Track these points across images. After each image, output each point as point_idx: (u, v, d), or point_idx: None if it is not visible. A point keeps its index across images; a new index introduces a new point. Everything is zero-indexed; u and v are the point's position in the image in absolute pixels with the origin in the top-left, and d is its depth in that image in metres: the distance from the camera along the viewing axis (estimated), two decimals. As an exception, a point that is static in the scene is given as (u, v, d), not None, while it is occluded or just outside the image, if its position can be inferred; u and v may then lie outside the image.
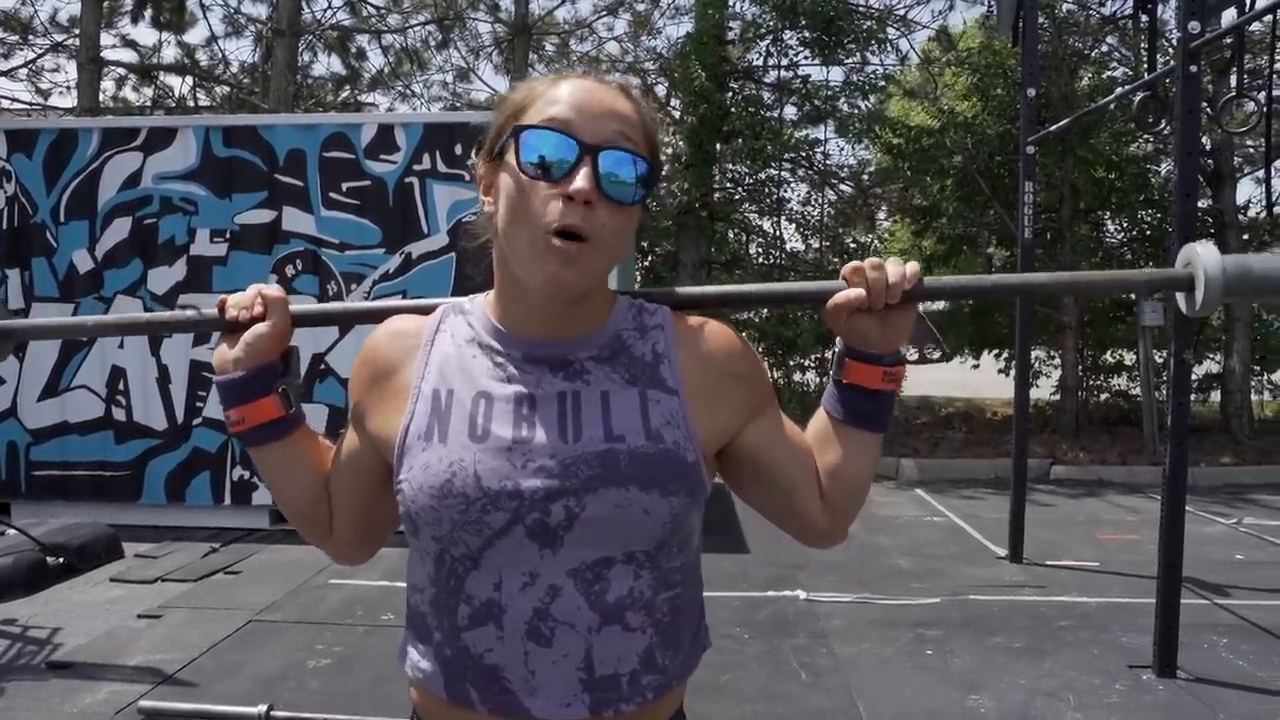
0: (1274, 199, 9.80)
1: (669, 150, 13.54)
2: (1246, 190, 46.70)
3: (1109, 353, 13.39)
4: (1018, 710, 4.12)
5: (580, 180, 1.11)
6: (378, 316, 1.36)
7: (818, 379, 13.40)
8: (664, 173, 1.25)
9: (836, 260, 13.74)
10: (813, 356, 13.13)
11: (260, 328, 1.28)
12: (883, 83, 13.85)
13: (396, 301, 1.38)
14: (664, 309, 1.28)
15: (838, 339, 1.29)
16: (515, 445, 1.16)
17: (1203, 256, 1.23)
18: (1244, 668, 4.61)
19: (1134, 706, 4.17)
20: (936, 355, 1.34)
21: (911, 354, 1.32)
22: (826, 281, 1.26)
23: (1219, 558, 6.71)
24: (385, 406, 1.25)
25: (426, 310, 1.32)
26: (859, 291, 1.21)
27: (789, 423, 1.32)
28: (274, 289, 1.31)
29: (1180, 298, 1.29)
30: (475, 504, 1.14)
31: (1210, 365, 13.37)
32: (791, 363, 13.12)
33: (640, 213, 1.22)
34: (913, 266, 1.22)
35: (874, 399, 1.27)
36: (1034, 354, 12.54)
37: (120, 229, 7.29)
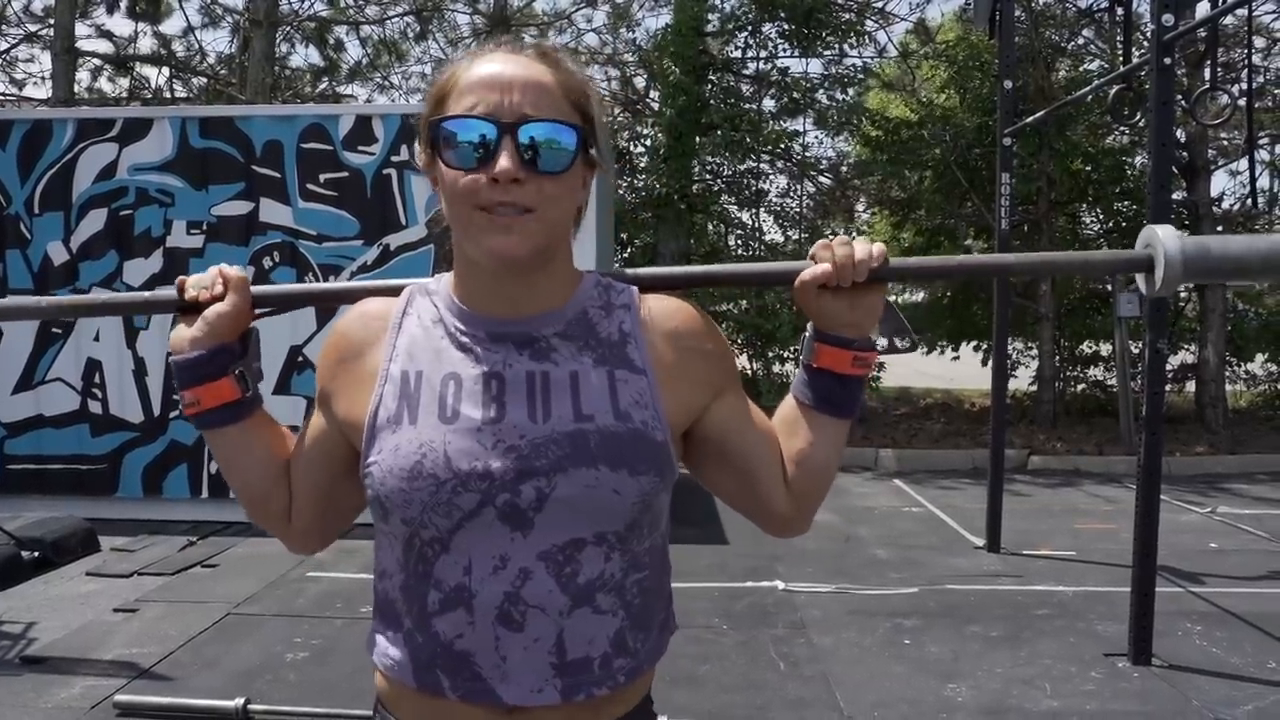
0: (1254, 189, 9.91)
1: (648, 142, 13.55)
2: (1220, 182, 47.15)
3: (1086, 344, 13.46)
4: (994, 698, 4.16)
5: (503, 160, 1.11)
6: (340, 298, 1.35)
7: (797, 371, 13.41)
8: (602, 124, 1.23)
9: (816, 252, 13.73)
10: (791, 348, 13.14)
11: (220, 307, 1.26)
12: (861, 75, 13.89)
13: (358, 283, 1.37)
14: (631, 289, 1.28)
15: (808, 324, 1.29)
16: (485, 426, 1.16)
17: (1162, 238, 1.25)
18: (1217, 654, 4.66)
19: (1109, 694, 4.21)
20: (905, 344, 1.34)
21: (881, 342, 1.32)
22: (795, 262, 1.27)
23: (1194, 546, 6.78)
24: (352, 389, 1.24)
25: (393, 291, 1.31)
26: (825, 266, 1.22)
27: (754, 407, 1.32)
28: (235, 269, 1.29)
29: (1140, 279, 1.31)
30: (446, 485, 1.14)
31: (1185, 356, 13.48)
32: (770, 354, 13.14)
33: (585, 173, 1.22)
34: (879, 246, 1.23)
35: (844, 383, 1.27)
36: (1012, 345, 12.61)
37: (96, 221, 7.22)
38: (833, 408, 1.28)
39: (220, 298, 1.26)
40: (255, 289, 1.30)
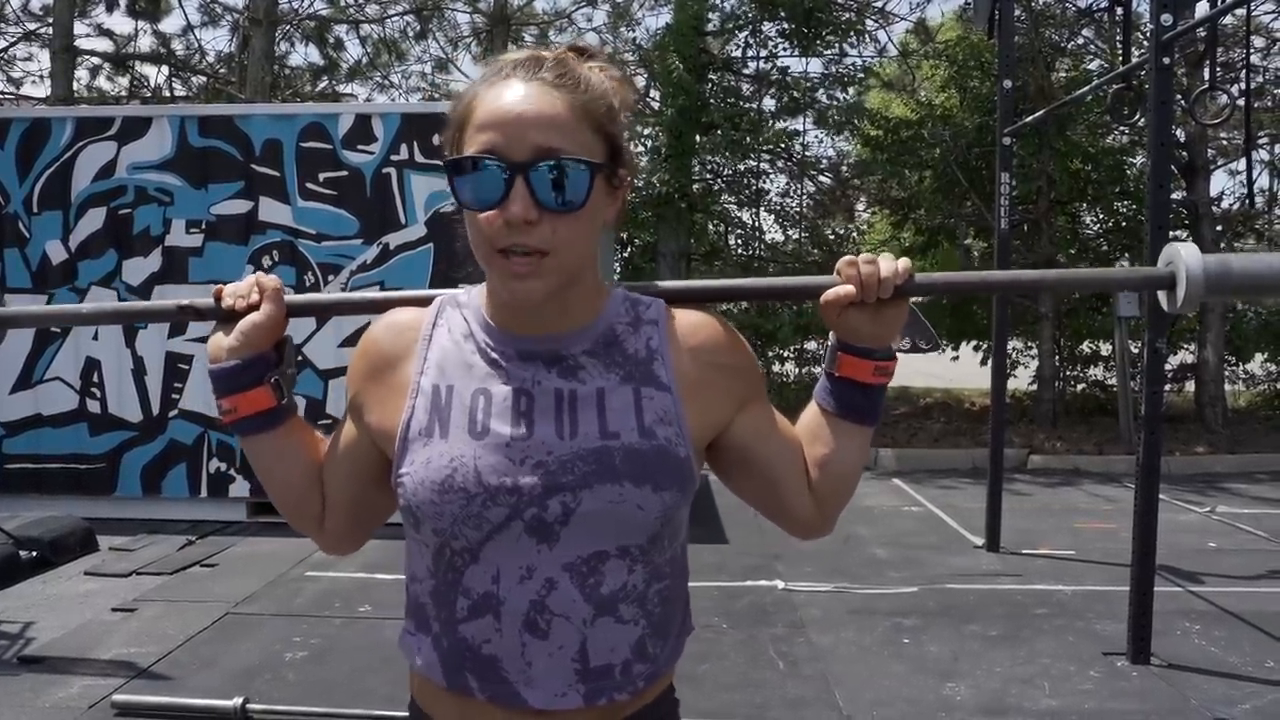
0: (1251, 189, 9.91)
1: (648, 142, 13.55)
2: (1220, 182, 47.19)
3: (1086, 343, 13.47)
4: (993, 697, 4.15)
5: (515, 204, 1.10)
6: (372, 307, 1.37)
7: (797, 370, 13.44)
8: (626, 146, 1.20)
9: (816, 252, 13.78)
10: (792, 348, 13.17)
11: (255, 316, 1.27)
12: (861, 75, 13.90)
13: (391, 293, 1.39)
14: (659, 303, 1.29)
15: (830, 333, 1.31)
16: (514, 442, 1.18)
17: (1184, 256, 1.25)
18: (1215, 653, 4.66)
19: (1108, 693, 4.21)
20: (928, 347, 1.37)
21: (904, 345, 1.34)
22: (820, 276, 1.28)
23: (1192, 546, 6.78)
24: (385, 400, 1.26)
25: (423, 301, 1.32)
26: (849, 288, 1.23)
27: (778, 415, 1.34)
28: (271, 278, 1.31)
29: (1161, 296, 1.31)
30: (476, 499, 1.16)
31: (1185, 355, 13.48)
32: (771, 354, 13.15)
33: (611, 193, 1.22)
34: (904, 262, 1.24)
35: (865, 392, 1.29)
36: (1011, 345, 12.60)
37: (94, 219, 7.22)
38: (856, 415, 1.30)
39: (256, 307, 1.28)
40: (289, 298, 1.32)
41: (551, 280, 1.15)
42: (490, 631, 1.19)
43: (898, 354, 1.32)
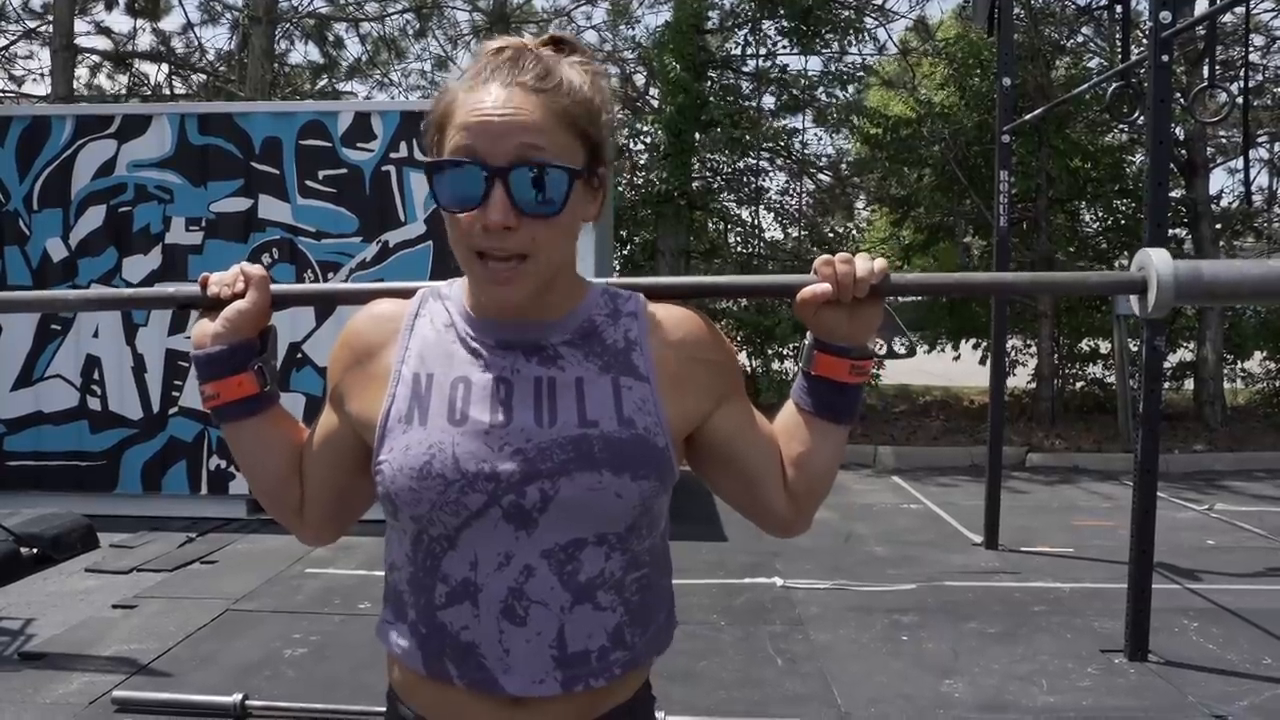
0: (1248, 187, 9.94)
1: (647, 139, 13.55)
2: (1219, 180, 47.18)
3: (1084, 341, 13.48)
4: (991, 694, 4.16)
5: (493, 210, 1.12)
6: (358, 298, 1.38)
7: (796, 367, 13.44)
8: (606, 145, 1.21)
9: (815, 249, 13.77)
10: (791, 345, 13.16)
11: (240, 304, 1.29)
12: (861, 72, 13.89)
13: (376, 284, 1.40)
14: (638, 296, 1.30)
15: (808, 331, 1.32)
16: (492, 429, 1.18)
17: (1155, 261, 1.29)
18: (1213, 650, 4.67)
19: (1105, 690, 4.22)
20: (903, 351, 1.37)
21: (879, 349, 1.35)
22: (796, 275, 1.29)
23: (1191, 543, 6.79)
24: (366, 389, 1.27)
25: (406, 293, 1.34)
26: (825, 286, 1.25)
27: (757, 414, 1.35)
28: (256, 268, 1.33)
29: (1134, 300, 1.36)
30: (453, 485, 1.17)
31: (1184, 353, 13.49)
32: (770, 351, 13.15)
33: (590, 195, 1.23)
34: (880, 263, 1.26)
35: (841, 391, 1.30)
36: (1010, 343, 12.61)
37: (94, 217, 7.23)
38: (832, 414, 1.32)
39: (241, 295, 1.30)
40: (275, 288, 1.34)
41: (530, 284, 1.16)
42: (468, 618, 1.19)
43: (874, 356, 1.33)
